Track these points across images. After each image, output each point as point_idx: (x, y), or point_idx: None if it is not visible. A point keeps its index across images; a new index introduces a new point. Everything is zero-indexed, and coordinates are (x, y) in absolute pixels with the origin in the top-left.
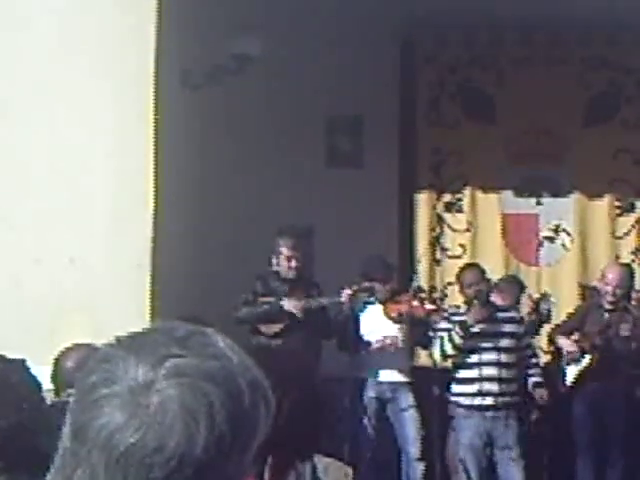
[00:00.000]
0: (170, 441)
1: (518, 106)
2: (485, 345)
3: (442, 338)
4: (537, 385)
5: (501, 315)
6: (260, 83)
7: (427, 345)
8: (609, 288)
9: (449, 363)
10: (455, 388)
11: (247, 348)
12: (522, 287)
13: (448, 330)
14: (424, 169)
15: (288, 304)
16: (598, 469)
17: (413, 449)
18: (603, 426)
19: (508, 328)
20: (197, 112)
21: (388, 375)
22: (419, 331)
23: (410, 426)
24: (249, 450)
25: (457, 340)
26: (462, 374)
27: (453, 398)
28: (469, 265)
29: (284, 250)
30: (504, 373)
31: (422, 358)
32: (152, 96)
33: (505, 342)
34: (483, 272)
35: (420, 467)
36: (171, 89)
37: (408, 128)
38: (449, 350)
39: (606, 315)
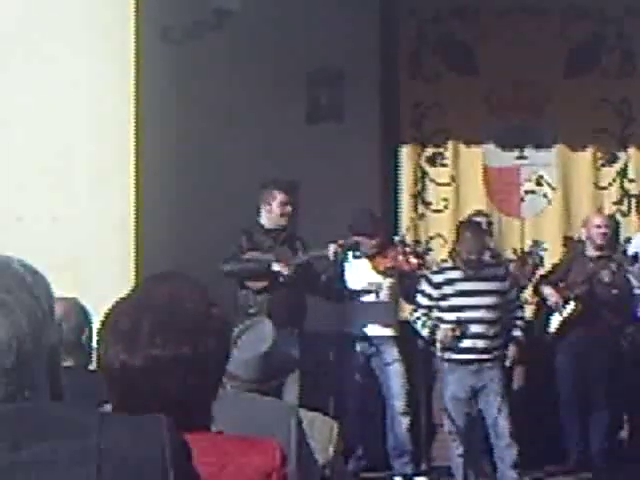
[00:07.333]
0: None
1: (499, 58)
2: (470, 303)
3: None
4: (513, 341)
5: (485, 272)
6: (240, 38)
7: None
8: (600, 230)
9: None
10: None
11: None
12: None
13: (426, 313)
14: (406, 122)
15: (276, 265)
16: (582, 418)
17: (398, 403)
18: (586, 376)
19: (492, 286)
20: (177, 68)
21: (373, 329)
22: (406, 284)
23: (395, 380)
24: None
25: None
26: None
27: (438, 353)
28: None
29: (279, 196)
30: (488, 330)
31: (407, 311)
32: (133, 52)
33: (489, 300)
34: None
35: (405, 420)
36: (151, 45)
37: (389, 81)
38: (425, 333)
39: (590, 264)
